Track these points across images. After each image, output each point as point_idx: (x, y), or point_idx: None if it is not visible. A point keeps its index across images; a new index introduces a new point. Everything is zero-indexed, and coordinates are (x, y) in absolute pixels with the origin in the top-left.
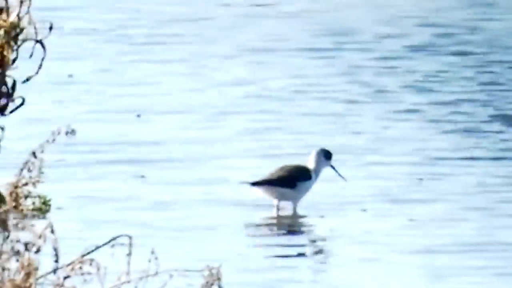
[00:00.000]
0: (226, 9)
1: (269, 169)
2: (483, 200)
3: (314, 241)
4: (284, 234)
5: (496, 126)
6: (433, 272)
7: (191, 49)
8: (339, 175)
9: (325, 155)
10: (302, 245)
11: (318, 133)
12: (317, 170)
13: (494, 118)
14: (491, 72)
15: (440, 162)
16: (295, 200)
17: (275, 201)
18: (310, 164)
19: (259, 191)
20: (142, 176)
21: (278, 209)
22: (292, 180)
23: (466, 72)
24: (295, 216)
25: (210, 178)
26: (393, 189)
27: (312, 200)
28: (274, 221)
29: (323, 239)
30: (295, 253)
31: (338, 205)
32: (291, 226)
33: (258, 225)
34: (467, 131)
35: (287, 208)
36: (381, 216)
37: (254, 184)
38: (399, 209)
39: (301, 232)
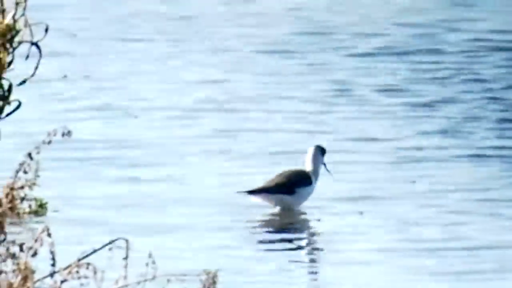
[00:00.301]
0: (200, 8)
1: (239, 168)
2: (458, 200)
3: (290, 240)
4: (265, 232)
5: (472, 127)
6: (404, 271)
7: (163, 48)
8: (328, 171)
9: (321, 152)
10: (273, 241)
11: (290, 132)
12: (316, 171)
13: (469, 118)
14: (467, 72)
15: (414, 162)
16: (295, 207)
17: (277, 208)
18: (308, 165)
19: (258, 199)
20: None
21: (282, 210)
22: (290, 186)
23: (441, 73)
24: (270, 214)
25: (181, 177)
26: (365, 189)
27: None
28: (252, 218)
29: (298, 239)
30: (277, 250)
31: (309, 205)
32: (270, 225)
33: (232, 224)
34: (442, 132)
35: (267, 207)
36: (352, 216)
37: (251, 192)
38: (371, 209)
39: (277, 231)
